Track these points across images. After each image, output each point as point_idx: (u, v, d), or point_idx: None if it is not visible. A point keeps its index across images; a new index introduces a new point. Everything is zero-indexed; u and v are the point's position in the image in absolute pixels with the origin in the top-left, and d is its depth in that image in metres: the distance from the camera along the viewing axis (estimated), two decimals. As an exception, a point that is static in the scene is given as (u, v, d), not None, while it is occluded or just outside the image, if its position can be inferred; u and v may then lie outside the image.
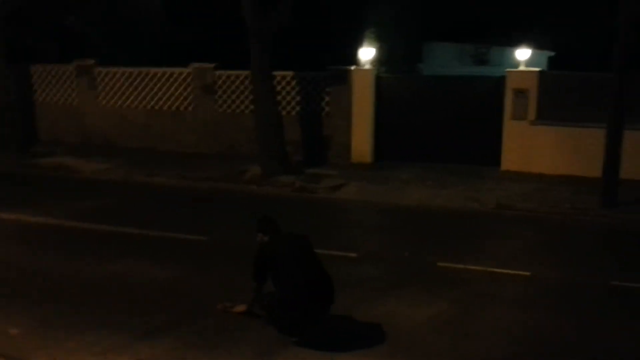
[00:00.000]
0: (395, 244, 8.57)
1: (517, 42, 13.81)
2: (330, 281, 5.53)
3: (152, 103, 15.49)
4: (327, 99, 13.95)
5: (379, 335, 5.65)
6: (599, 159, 10.41)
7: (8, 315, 6.02)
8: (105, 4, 18.08)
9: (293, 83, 14.11)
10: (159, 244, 8.40)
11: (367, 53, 13.69)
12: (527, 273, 7.30)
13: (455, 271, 7.36)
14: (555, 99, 12.50)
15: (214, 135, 14.91)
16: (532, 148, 12.55)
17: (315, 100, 14.04)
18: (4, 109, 15.27)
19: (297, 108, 14.16)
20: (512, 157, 12.72)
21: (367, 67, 13.68)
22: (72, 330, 5.70)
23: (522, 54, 13.05)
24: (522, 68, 12.92)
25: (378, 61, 14.34)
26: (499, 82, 12.81)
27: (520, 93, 12.59)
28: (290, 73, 14.07)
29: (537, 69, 13.02)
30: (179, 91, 15.19)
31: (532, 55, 13.75)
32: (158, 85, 15.37)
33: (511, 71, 12.87)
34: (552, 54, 24.66)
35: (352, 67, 13.72)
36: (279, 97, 13.74)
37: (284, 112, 13.87)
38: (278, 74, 13.69)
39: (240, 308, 5.94)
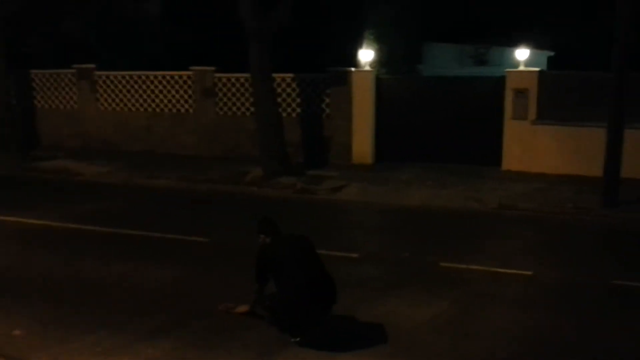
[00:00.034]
0: (396, 245, 8.57)
1: (516, 42, 13.84)
2: (332, 282, 5.54)
3: (152, 106, 15.53)
4: (327, 100, 13.97)
5: (380, 335, 5.66)
6: (600, 158, 10.41)
7: (10, 316, 6.05)
8: (103, 7, 18.11)
9: (293, 85, 14.13)
10: (160, 245, 8.42)
11: (366, 54, 13.73)
12: (529, 273, 7.30)
13: (457, 271, 7.36)
14: (555, 98, 12.51)
15: (214, 138, 14.94)
16: (533, 148, 12.56)
17: (316, 102, 14.06)
18: (4, 112, 15.30)
19: (298, 110, 14.19)
20: (513, 157, 12.73)
21: (367, 68, 13.71)
22: (74, 330, 5.72)
23: (522, 54, 13.08)
24: (521, 68, 12.94)
25: (378, 62, 14.37)
26: (499, 82, 12.82)
27: (520, 93, 12.60)
28: (290, 75, 14.10)
29: (536, 69, 13.04)
30: (179, 94, 15.23)
31: (532, 55, 13.79)
32: (159, 88, 15.41)
33: (511, 71, 12.89)
34: (552, 53, 24.67)
35: (352, 69, 13.74)
36: (279, 99, 13.76)
37: (284, 114, 13.89)
38: (278, 75, 13.72)
39: (242, 309, 5.95)
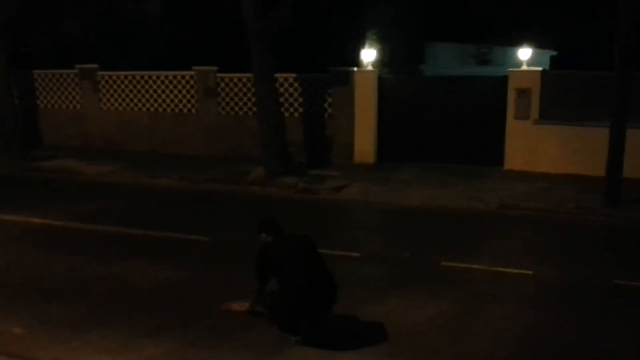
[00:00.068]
0: (398, 244, 8.58)
1: (518, 42, 13.83)
2: (333, 281, 5.54)
3: (155, 106, 15.55)
4: (329, 100, 13.98)
5: (381, 335, 5.66)
6: (602, 158, 10.39)
7: (12, 315, 6.07)
8: (103, 7, 18.14)
9: (296, 85, 14.14)
10: (162, 244, 8.44)
11: (369, 54, 13.73)
12: (530, 272, 7.30)
13: (457, 271, 7.36)
14: (557, 98, 12.49)
15: (216, 138, 14.95)
16: (535, 147, 12.55)
17: (318, 102, 14.07)
18: (5, 112, 15.34)
19: (300, 109, 14.19)
20: (515, 157, 12.72)
21: (369, 68, 13.71)
22: (75, 329, 5.74)
23: (524, 53, 13.06)
24: (524, 68, 12.93)
25: (380, 62, 14.37)
26: (501, 82, 12.80)
27: (522, 93, 12.59)
28: (292, 75, 14.11)
29: (539, 69, 13.01)
30: (181, 94, 15.25)
31: (534, 54, 13.77)
32: (161, 88, 15.43)
33: (513, 71, 12.88)
34: (554, 53, 24.63)
35: (355, 69, 13.75)
36: (281, 99, 13.77)
37: (286, 114, 13.90)
38: (280, 75, 13.73)
39: (243, 307, 5.96)
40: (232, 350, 5.39)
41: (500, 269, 7.37)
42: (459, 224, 9.63)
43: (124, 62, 16.45)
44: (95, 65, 16.07)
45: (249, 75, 13.47)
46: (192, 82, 15.10)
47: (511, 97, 12.65)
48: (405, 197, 11.03)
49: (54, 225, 9.37)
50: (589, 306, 6.44)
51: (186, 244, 8.44)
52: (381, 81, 13.81)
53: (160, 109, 15.51)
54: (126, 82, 15.78)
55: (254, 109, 13.77)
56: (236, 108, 14.78)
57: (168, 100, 15.39)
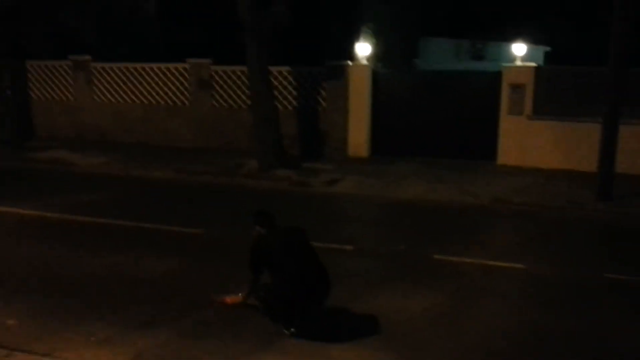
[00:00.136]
0: (391, 238, 8.60)
1: (513, 37, 13.85)
2: (326, 274, 5.54)
3: (148, 98, 15.50)
4: (324, 94, 13.97)
5: (374, 327, 5.69)
6: (595, 153, 10.44)
7: (5, 306, 6.04)
8: (99, 1, 18.05)
9: (290, 78, 14.12)
10: (156, 237, 8.43)
11: (363, 48, 13.72)
12: (522, 266, 7.34)
13: (451, 264, 7.40)
14: (551, 93, 12.54)
15: (210, 130, 14.92)
16: (529, 142, 12.60)
17: (312, 95, 14.06)
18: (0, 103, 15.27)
19: (294, 103, 14.18)
20: (509, 152, 12.77)
21: (364, 62, 13.70)
22: (68, 321, 5.73)
23: (519, 49, 13.08)
24: (518, 63, 12.96)
25: (375, 56, 14.36)
26: (495, 77, 12.84)
27: (516, 88, 12.63)
28: (287, 68, 14.09)
29: (533, 64, 13.06)
30: (175, 86, 15.20)
31: (529, 50, 13.79)
32: (154, 80, 15.37)
33: (507, 66, 12.92)
34: (548, 49, 24.71)
35: (349, 62, 13.74)
36: (275, 92, 13.74)
37: (281, 107, 13.87)
38: (275, 69, 13.70)
39: (236, 299, 5.96)
40: (225, 342, 5.40)
41: (493, 263, 7.40)
42: (452, 218, 9.67)
43: (119, 54, 16.34)
44: (88, 57, 15.98)
45: (243, 67, 13.43)
46: (185, 74, 15.06)
47: (505, 92, 12.68)
48: (399, 191, 11.05)
49: (46, 217, 9.34)
50: (581, 300, 6.48)
51: (180, 237, 8.43)
52: (375, 75, 13.81)
53: (153, 101, 15.46)
54: (120, 73, 15.71)
55: (248, 101, 13.75)
56: (230, 101, 14.75)
57: (162, 93, 15.34)
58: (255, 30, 12.09)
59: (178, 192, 11.39)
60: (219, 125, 14.83)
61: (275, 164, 12.39)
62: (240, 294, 5.93)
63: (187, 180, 12.12)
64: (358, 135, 13.81)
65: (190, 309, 6.02)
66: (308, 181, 11.75)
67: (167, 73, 15.22)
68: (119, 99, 15.81)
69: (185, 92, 15.13)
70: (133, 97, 15.66)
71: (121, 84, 15.73)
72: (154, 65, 15.34)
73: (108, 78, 15.84)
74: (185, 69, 15.03)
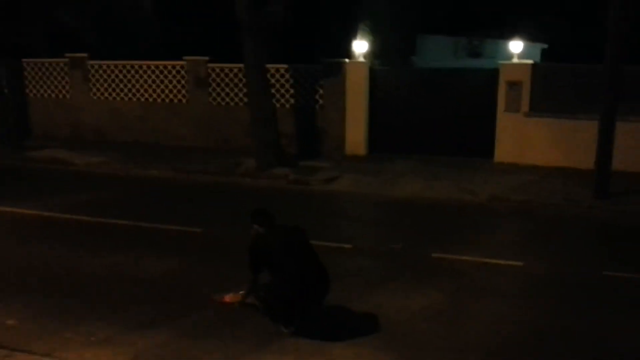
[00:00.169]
0: (389, 236, 8.61)
1: (510, 35, 13.86)
2: (326, 273, 5.56)
3: (145, 96, 15.48)
4: (321, 91, 13.97)
5: (373, 326, 5.71)
6: (592, 151, 10.47)
7: (4, 306, 6.04)
8: (99, 0, 18.02)
9: (287, 76, 14.12)
10: (155, 236, 8.43)
11: (360, 46, 13.72)
12: (520, 263, 7.37)
13: (449, 262, 7.42)
14: (548, 91, 12.56)
15: (208, 129, 14.92)
16: (526, 140, 12.62)
17: (309, 93, 14.06)
18: None
19: (292, 100, 14.18)
20: (506, 149, 12.80)
21: (361, 59, 13.70)
22: (68, 321, 5.73)
23: (516, 46, 13.10)
24: (515, 60, 12.97)
25: (372, 54, 14.36)
26: (493, 75, 12.85)
27: (513, 85, 12.65)
28: (284, 66, 14.08)
29: (530, 62, 13.08)
30: (172, 84, 15.18)
31: (526, 47, 13.80)
32: (152, 78, 15.35)
33: (504, 64, 12.93)
34: (545, 46, 24.74)
35: (346, 60, 13.73)
36: (272, 90, 13.73)
37: (278, 105, 13.87)
38: (272, 66, 13.69)
39: (235, 298, 5.98)
40: (225, 342, 5.41)
41: (491, 261, 7.43)
42: (449, 216, 9.70)
43: (119, 53, 16.31)
44: (85, 55, 15.95)
45: (240, 65, 13.43)
46: (182, 72, 15.04)
47: (502, 89, 12.70)
48: (397, 189, 11.07)
49: (45, 216, 9.34)
50: (580, 298, 6.51)
51: (178, 236, 8.44)
52: (373, 73, 13.81)
53: (150, 99, 15.44)
54: (116, 71, 15.68)
55: (245, 99, 13.75)
56: (227, 99, 14.74)
57: (159, 91, 15.32)
58: (253, 29, 12.08)
59: (177, 191, 11.39)
60: (216, 123, 14.82)
61: (273, 163, 12.39)
62: (240, 293, 5.94)
63: (186, 179, 12.12)
64: (355, 133, 13.82)
65: (190, 309, 6.03)
66: (306, 179, 11.76)
67: (165, 71, 15.20)
68: (116, 97, 15.78)
69: (182, 90, 15.11)
70: (130, 95, 15.63)
71: (118, 82, 15.71)
72: (151, 63, 15.32)
73: (105, 76, 15.81)
74: (182, 66, 15.01)
